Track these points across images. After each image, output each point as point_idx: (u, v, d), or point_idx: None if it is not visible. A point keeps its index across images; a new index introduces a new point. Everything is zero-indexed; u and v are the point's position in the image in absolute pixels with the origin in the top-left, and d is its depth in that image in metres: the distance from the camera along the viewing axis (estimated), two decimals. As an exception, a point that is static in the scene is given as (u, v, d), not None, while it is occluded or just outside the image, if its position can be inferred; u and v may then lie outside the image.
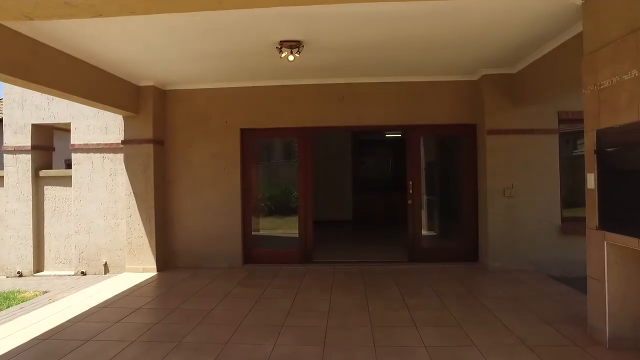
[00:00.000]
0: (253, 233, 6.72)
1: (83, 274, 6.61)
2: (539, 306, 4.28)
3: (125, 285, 5.48)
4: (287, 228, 6.97)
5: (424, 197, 6.77)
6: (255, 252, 6.60)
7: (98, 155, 6.69)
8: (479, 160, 6.18)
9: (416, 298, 4.66)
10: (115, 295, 5.03)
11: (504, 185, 5.85)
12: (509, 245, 5.82)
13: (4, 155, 6.86)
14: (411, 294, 4.83)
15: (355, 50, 4.98)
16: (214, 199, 6.47)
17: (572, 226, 5.71)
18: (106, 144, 6.65)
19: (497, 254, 5.83)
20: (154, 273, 6.15)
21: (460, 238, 6.54)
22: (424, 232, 6.76)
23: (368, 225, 11.21)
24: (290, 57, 4.59)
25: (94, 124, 6.69)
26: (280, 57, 4.53)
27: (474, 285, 5.23)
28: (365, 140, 13.28)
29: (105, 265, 6.65)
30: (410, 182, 6.38)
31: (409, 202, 6.39)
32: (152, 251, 6.22)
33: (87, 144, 6.67)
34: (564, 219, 5.85)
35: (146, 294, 5.09)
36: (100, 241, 6.65)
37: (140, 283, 5.61)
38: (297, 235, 6.56)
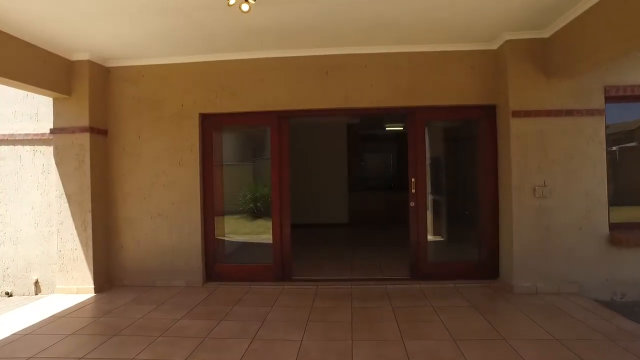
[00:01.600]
0: (217, 243, 5.45)
1: (8, 294, 5.36)
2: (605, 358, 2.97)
3: (39, 315, 4.21)
4: (260, 235, 5.72)
5: (430, 198, 5.47)
6: (219, 267, 5.32)
7: (28, 148, 5.43)
8: (501, 150, 4.87)
9: (421, 340, 3.35)
10: (13, 335, 3.75)
11: (534, 183, 4.53)
12: (541, 259, 4.50)
13: None
14: (414, 332, 3.52)
15: (337, 1, 3.70)
16: (168, 201, 5.20)
17: (625, 235, 4.38)
18: (37, 135, 5.39)
19: (525, 271, 4.51)
20: (91, 295, 4.88)
21: (475, 249, 5.23)
22: (430, 239, 5.46)
23: (366, 229, 9.91)
24: (245, 7, 3.30)
25: (22, 110, 5.43)
26: (229, 4, 3.24)
27: (499, 317, 3.90)
28: (363, 135, 12.00)
29: (37, 283, 5.39)
30: (413, 180, 5.07)
31: (411, 204, 5.08)
32: (89, 267, 4.95)
33: (13, 135, 5.42)
34: (612, 226, 4.52)
35: (57, 331, 3.79)
36: (31, 254, 5.39)
37: (64, 311, 4.34)
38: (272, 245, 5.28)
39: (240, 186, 8.62)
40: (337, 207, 10.53)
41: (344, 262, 6.20)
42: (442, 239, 6.49)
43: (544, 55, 4.50)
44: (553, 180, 4.51)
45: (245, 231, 8.21)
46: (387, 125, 12.02)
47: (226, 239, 8.99)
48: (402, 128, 12.34)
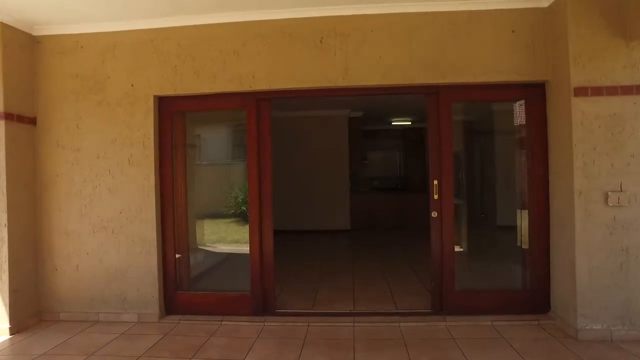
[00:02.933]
0: (182, 263, 4.24)
1: None
2: None
3: None
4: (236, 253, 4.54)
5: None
6: (182, 296, 4.10)
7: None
8: (554, 142, 3.63)
9: None
10: None
11: (606, 187, 3.28)
12: (618, 293, 3.26)
13: None
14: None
15: None
16: (115, 210, 3.98)
17: None
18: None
19: (594, 309, 3.27)
20: (3, 338, 3.66)
21: (518, 272, 4.01)
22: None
23: (370, 237, 8.68)
24: None
25: None
26: None
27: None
28: (366, 130, 10.79)
29: (-52, 317, 4.19)
30: (436, 183, 3.83)
31: (434, 214, 3.85)
32: (2, 299, 3.74)
33: None
34: None
35: None
36: (-60, 279, 4.19)
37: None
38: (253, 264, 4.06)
39: (231, 186, 7.51)
40: (337, 211, 9.29)
41: (344, 283, 4.96)
42: (462, 250, 5.33)
43: (620, 9, 3.26)
44: (634, 183, 3.27)
45: (235, 238, 7.11)
46: (393, 120, 10.81)
47: (210, 248, 7.81)
48: (409, 123, 11.14)
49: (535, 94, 3.73)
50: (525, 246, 7.55)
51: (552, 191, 3.69)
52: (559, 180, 3.57)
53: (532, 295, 3.78)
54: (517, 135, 4.10)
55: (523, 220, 7.39)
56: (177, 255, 4.18)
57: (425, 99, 3.88)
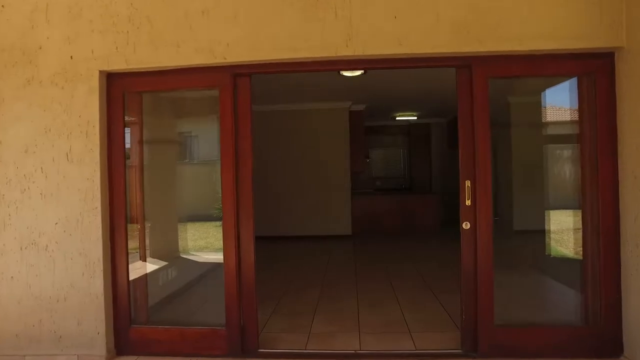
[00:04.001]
0: (139, 287, 3.32)
1: None
2: None
3: None
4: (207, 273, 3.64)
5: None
6: (138, 331, 3.15)
7: None
8: (626, 130, 2.72)
9: None
10: None
11: None
12: None
13: None
14: None
15: None
16: (49, 220, 3.05)
17: None
18: None
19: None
20: None
21: (576, 302, 3.11)
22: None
23: (373, 243, 7.78)
24: None
25: None
26: None
27: None
28: (368, 126, 9.89)
29: None
30: (468, 184, 2.92)
31: (465, 225, 2.93)
32: None
33: None
34: None
35: None
36: None
37: None
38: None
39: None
40: (337, 215, 8.38)
41: (347, 308, 4.03)
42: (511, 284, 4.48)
43: None
44: None
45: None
46: (397, 114, 9.91)
47: (193, 257, 6.88)
48: (415, 118, 10.23)
49: (601, 66, 2.81)
50: (552, 253, 6.43)
51: (623, 193, 2.78)
52: (630, 186, 2.65)
53: (596, 331, 2.87)
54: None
55: (552, 225, 6.38)
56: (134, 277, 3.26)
57: (457, 75, 2.95)
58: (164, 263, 5.68)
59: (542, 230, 5.82)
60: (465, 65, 2.89)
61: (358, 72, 5.65)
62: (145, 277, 3.35)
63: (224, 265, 3.08)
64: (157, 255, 5.63)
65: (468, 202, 2.90)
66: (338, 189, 8.38)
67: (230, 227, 3.01)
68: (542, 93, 5.34)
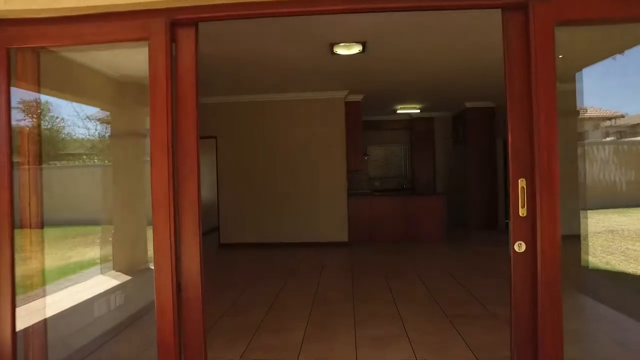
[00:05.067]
0: (33, 337, 2.30)
1: None
2: None
3: None
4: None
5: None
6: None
7: None
8: None
9: None
10: None
11: None
12: None
13: None
14: None
15: None
16: None
17: None
18: None
19: None
20: None
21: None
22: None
23: (374, 253, 6.81)
24: None
25: None
26: None
27: None
28: (367, 121, 8.96)
29: None
30: (522, 183, 1.94)
31: (519, 246, 1.95)
32: None
33: None
34: None
35: None
36: None
37: None
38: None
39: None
40: (332, 219, 7.41)
41: (340, 347, 3.05)
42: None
43: None
44: None
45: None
46: (399, 107, 8.96)
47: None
48: (418, 110, 9.28)
49: None
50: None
51: None
52: None
53: None
54: None
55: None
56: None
57: (505, 21, 1.97)
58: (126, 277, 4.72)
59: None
60: (519, 4, 1.92)
61: (356, 49, 4.71)
62: (40, 324, 2.32)
63: (155, 287, 2.07)
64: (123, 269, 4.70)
65: (522, 212, 1.93)
66: (333, 190, 7.42)
67: (164, 246, 2.02)
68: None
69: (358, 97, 7.71)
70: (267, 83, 6.50)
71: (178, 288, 2.07)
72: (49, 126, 4.61)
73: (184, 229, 2.05)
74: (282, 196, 7.39)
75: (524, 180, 1.94)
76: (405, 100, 8.35)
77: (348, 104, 7.67)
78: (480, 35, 4.19)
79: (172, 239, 2.04)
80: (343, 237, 7.40)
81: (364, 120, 9.57)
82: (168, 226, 2.00)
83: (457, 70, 5.88)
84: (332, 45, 4.57)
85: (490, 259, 5.90)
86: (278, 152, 7.44)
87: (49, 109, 4.31)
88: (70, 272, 4.82)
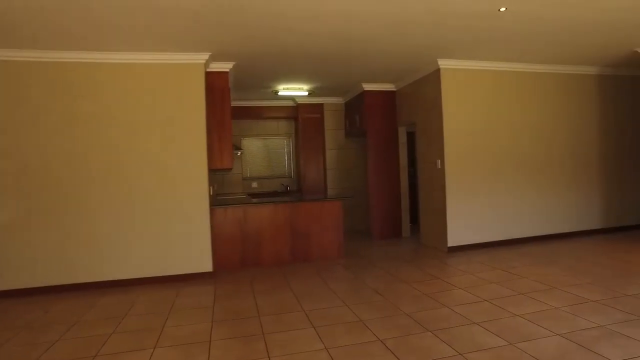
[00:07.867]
0: None
1: None
2: None
3: None
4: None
5: None
6: None
7: None
8: None
9: None
10: None
11: None
12: None
13: None
14: None
15: None
16: None
17: None
18: None
19: None
20: None
21: None
22: None
23: (248, 287, 4.64)
24: None
25: None
26: None
27: None
28: (241, 106, 6.77)
29: None
30: None
31: None
32: None
33: None
34: None
35: None
36: None
37: None
38: None
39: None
40: (185, 240, 5.05)
41: None
42: None
43: None
44: None
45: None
46: (281, 87, 6.97)
47: None
48: (306, 94, 7.39)
49: None
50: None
51: None
52: None
53: None
54: None
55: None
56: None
57: None
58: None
59: None
60: None
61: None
62: None
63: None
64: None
65: None
66: (188, 199, 5.05)
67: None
68: None
69: (226, 66, 5.47)
70: (70, 32, 3.83)
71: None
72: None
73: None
74: (98, 212, 4.78)
75: None
76: (289, 77, 6.37)
77: (211, 75, 5.38)
78: None
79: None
80: (205, 265, 5.09)
81: (238, 107, 7.37)
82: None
83: (357, 39, 4.08)
84: None
85: (396, 290, 4.24)
86: (90, 144, 4.79)
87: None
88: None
